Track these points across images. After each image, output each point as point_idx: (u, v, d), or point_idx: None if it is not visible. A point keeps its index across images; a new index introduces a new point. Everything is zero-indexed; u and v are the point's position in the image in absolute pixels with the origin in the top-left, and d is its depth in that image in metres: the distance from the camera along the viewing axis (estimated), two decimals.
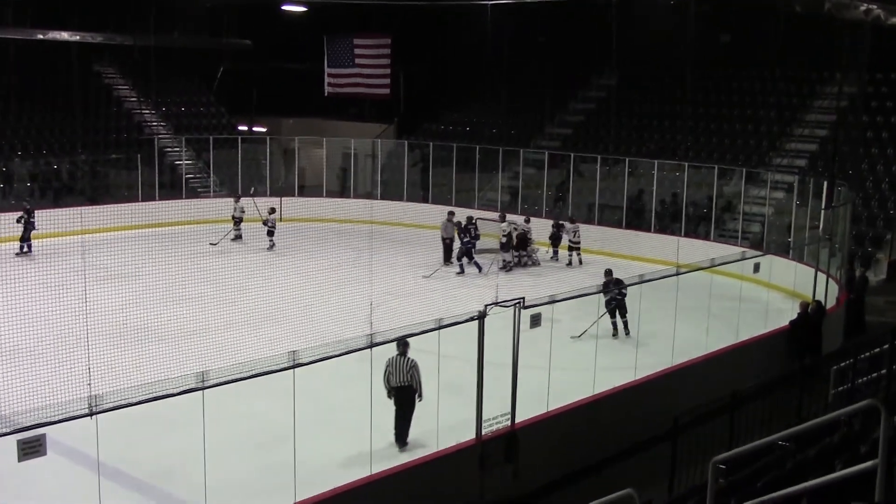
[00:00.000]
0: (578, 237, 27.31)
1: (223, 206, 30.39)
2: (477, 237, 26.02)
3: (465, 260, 25.57)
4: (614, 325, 18.67)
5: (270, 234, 28.27)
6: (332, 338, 11.87)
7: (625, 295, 18.09)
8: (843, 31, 26.19)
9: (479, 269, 25.28)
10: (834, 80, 30.94)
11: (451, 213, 27.07)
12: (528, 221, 27.51)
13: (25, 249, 26.32)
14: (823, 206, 22.28)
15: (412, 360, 12.84)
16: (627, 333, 18.35)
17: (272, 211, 28.66)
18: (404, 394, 12.87)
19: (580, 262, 27.00)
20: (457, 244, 26.09)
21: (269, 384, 10.33)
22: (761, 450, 8.29)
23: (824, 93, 31.73)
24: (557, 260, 27.59)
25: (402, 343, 12.76)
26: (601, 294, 17.84)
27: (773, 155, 30.58)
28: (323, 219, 31.38)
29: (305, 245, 26.38)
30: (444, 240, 26.43)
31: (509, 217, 28.15)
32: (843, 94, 29.60)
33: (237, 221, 29.30)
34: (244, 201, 29.72)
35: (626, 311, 18.43)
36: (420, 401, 12.83)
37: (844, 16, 23.51)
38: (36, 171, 32.20)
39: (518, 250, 26.34)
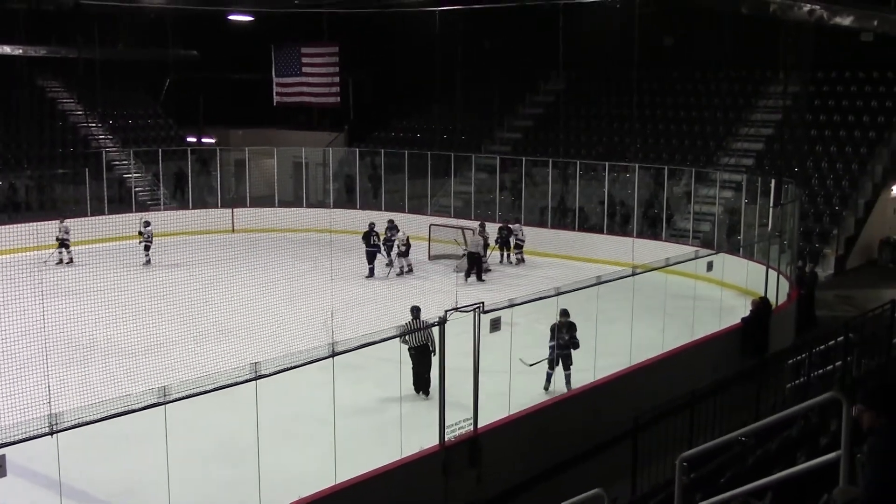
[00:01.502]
0: (524, 236, 27.76)
1: (175, 218, 30.10)
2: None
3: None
4: (548, 377, 15.52)
5: (147, 248, 27.38)
6: (292, 348, 11.84)
7: (576, 346, 15.49)
8: (786, 31, 26.71)
9: (372, 274, 25.96)
10: (778, 80, 31.53)
11: (483, 226, 27.24)
12: (483, 227, 27.60)
13: None
14: (772, 204, 22.66)
15: (426, 322, 14.35)
16: (568, 387, 15.34)
17: (147, 224, 27.70)
18: (423, 351, 14.96)
19: (522, 262, 27.61)
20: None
21: (230, 397, 10.26)
22: (723, 445, 8.42)
23: (769, 92, 32.33)
24: (511, 263, 27.80)
25: (415, 309, 15.42)
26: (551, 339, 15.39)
27: (721, 154, 31.07)
28: (276, 229, 31.21)
29: (261, 256, 26.25)
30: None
31: (464, 223, 28.43)
32: (787, 94, 30.18)
33: (62, 243, 27.31)
34: (69, 222, 27.91)
35: (570, 363, 15.56)
36: (434, 355, 13.76)
37: (789, 16, 23.96)
38: None
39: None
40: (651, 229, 28.83)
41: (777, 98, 31.29)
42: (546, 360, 15.50)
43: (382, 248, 26.58)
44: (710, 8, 30.34)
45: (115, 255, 25.99)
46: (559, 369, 15.56)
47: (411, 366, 15.13)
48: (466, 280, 25.14)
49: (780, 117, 30.53)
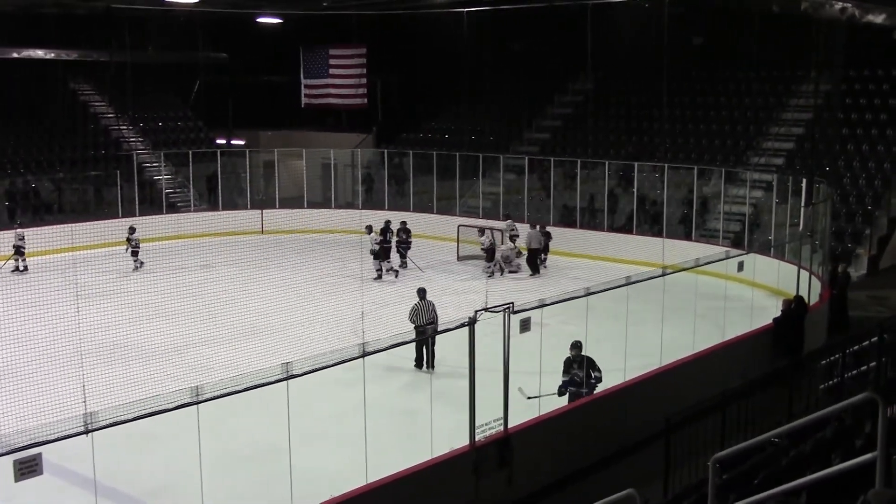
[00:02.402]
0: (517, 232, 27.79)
1: (205, 220, 30.34)
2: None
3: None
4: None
5: (135, 254, 27.21)
6: (321, 349, 11.88)
7: (593, 386, 13.99)
8: (818, 29, 26.46)
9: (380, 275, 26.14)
10: (809, 79, 31.21)
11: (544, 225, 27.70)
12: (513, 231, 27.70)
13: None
14: (803, 204, 22.47)
15: (432, 302, 17.48)
16: None
17: (132, 231, 27.51)
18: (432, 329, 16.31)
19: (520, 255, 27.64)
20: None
21: (262, 397, 10.31)
22: (756, 447, 8.36)
23: (800, 91, 32.01)
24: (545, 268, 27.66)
25: (422, 290, 17.84)
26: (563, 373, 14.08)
27: (751, 154, 30.83)
28: (305, 230, 31.35)
29: (290, 257, 26.40)
30: (533, 250, 26.75)
31: (493, 223, 28.43)
32: (818, 92, 29.86)
33: (17, 251, 26.88)
34: (24, 230, 27.39)
35: None
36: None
37: (820, 14, 23.76)
38: (14, 190, 32.01)
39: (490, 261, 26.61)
40: (681, 229, 28.69)
41: (808, 97, 30.97)
42: (550, 395, 13.76)
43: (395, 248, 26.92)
44: (742, 6, 30.14)
45: (148, 257, 26.30)
46: None
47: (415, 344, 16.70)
48: (493, 275, 25.43)
49: (811, 116, 30.24)
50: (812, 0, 23.12)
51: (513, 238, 27.49)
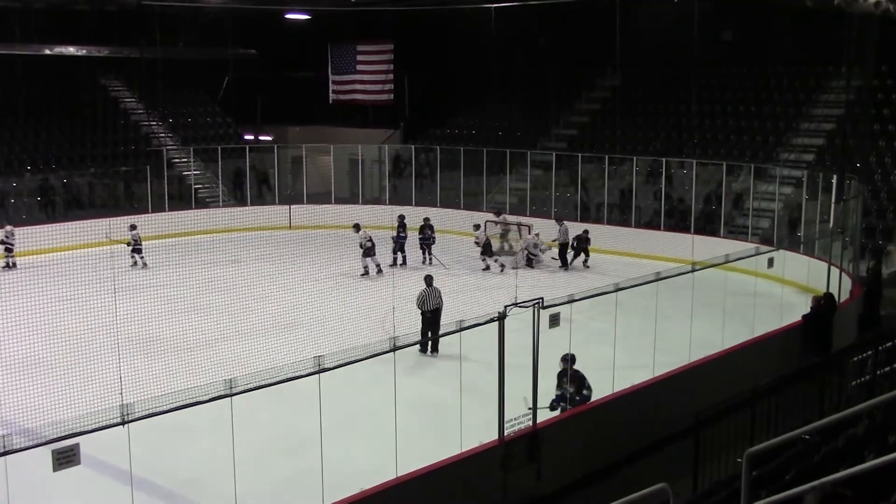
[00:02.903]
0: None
1: (234, 215, 30.55)
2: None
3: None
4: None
5: (137, 251, 26.92)
6: (351, 343, 11.97)
7: (586, 399, 13.38)
8: (850, 23, 26.23)
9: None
10: (840, 74, 30.96)
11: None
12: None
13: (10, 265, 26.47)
14: (834, 200, 22.31)
15: (438, 289, 18.49)
16: None
17: (133, 228, 27.13)
18: (435, 314, 18.03)
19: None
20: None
21: (294, 390, 10.41)
22: (786, 443, 8.36)
23: (830, 87, 31.76)
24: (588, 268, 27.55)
25: (429, 277, 18.97)
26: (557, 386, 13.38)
27: (781, 150, 30.60)
28: (333, 225, 31.47)
29: (318, 252, 26.52)
30: (562, 245, 27.23)
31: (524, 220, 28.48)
32: (849, 88, 29.60)
33: (7, 248, 26.74)
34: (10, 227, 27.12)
35: None
36: None
37: (854, 9, 23.54)
38: (46, 185, 32.37)
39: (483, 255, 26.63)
40: (710, 226, 28.57)
41: (839, 92, 30.70)
42: (549, 408, 13.06)
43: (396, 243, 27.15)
44: (775, 1, 29.91)
45: (177, 252, 26.49)
46: None
47: (420, 327, 17.77)
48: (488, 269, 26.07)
49: (842, 111, 30.00)
50: None
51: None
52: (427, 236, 27.40)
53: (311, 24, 40.39)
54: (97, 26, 36.87)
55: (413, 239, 27.65)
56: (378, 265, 25.80)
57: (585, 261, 27.11)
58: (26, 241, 26.44)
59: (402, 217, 27.69)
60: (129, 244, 26.80)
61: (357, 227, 26.22)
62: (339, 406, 13.04)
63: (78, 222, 28.05)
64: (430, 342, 17.60)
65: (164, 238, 28.40)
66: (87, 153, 34.25)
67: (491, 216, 30.01)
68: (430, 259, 27.21)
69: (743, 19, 34.48)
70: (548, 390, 12.89)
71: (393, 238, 27.38)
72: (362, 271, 25.68)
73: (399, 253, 27.11)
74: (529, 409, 12.50)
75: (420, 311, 18.20)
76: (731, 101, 33.85)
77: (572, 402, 13.12)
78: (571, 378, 13.11)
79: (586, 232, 27.23)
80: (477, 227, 27.32)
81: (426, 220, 27.92)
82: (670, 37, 34.22)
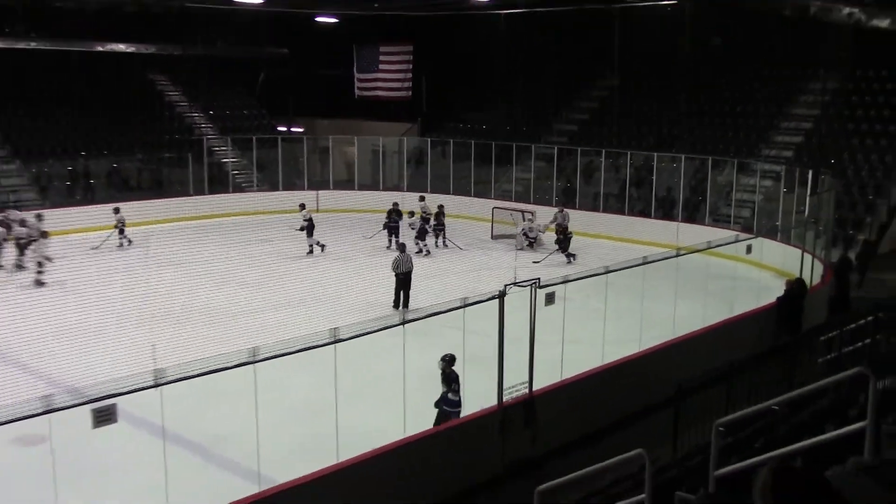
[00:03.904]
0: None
1: (266, 200, 30.54)
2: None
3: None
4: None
5: (121, 232, 26.05)
6: (368, 316, 11.92)
7: (456, 405, 11.88)
8: (827, 32, 25.96)
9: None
10: (818, 77, 30.66)
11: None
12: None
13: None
14: (809, 193, 22.14)
15: (409, 255, 20.08)
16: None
17: (116, 211, 26.32)
18: (406, 276, 19.44)
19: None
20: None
21: (312, 359, 10.39)
22: (758, 414, 8.28)
23: (809, 89, 31.46)
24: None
25: (402, 245, 20.61)
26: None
27: (763, 147, 30.36)
28: (356, 209, 31.48)
29: (341, 233, 26.52)
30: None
31: (523, 206, 28.29)
32: (826, 90, 29.35)
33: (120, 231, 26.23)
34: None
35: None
36: None
37: (829, 18, 23.31)
38: (101, 170, 32.46)
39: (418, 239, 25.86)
40: (695, 214, 28.38)
41: (817, 94, 30.43)
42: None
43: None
44: (757, 10, 29.61)
45: (213, 230, 26.56)
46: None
47: (394, 287, 19.35)
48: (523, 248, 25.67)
49: (819, 112, 29.70)
50: (821, 5, 22.63)
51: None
52: (440, 222, 27.18)
53: (339, 26, 40.25)
54: (145, 26, 36.80)
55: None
56: (319, 242, 25.41)
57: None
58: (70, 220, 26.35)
59: (395, 204, 27.27)
60: (116, 226, 26.12)
61: (302, 207, 26.00)
62: (355, 374, 13.06)
63: (126, 203, 28.03)
64: (402, 299, 19.27)
65: (203, 219, 28.48)
66: (135, 141, 34.26)
67: (499, 203, 30.00)
68: (445, 243, 26.95)
69: (731, 26, 34.10)
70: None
71: (409, 225, 26.48)
72: (308, 249, 25.26)
73: (393, 237, 25.85)
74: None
75: (394, 273, 19.53)
76: (719, 100, 33.57)
77: (447, 402, 11.89)
78: (452, 379, 12.01)
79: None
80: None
81: (440, 207, 27.72)
82: (664, 42, 33.95)
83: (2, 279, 21.65)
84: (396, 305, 19.25)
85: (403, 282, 19.45)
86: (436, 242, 26.83)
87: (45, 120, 33.37)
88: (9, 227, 23.74)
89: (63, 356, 13.82)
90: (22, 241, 22.97)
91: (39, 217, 23.80)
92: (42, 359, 14.56)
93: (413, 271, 19.72)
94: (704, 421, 10.75)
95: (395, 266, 19.59)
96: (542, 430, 12.27)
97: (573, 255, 24.86)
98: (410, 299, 19.33)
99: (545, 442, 12.26)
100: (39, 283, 21.06)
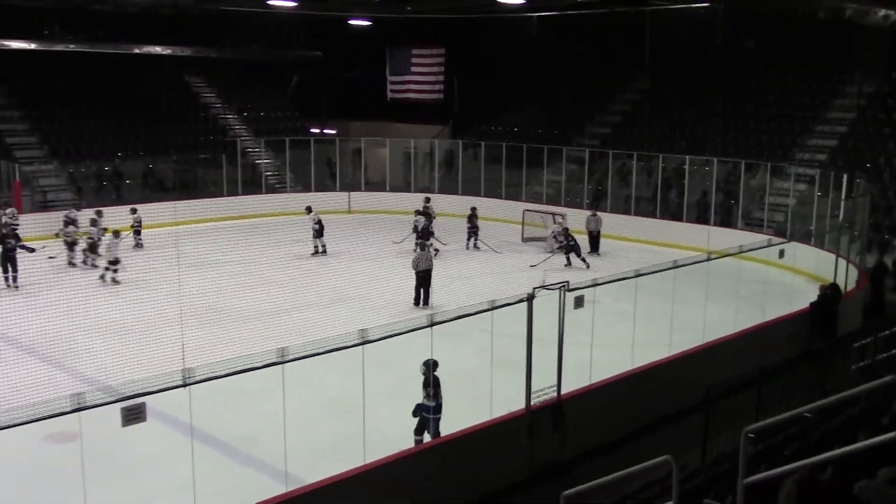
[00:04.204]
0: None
1: (299, 200, 30.59)
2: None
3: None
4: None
5: (137, 233, 26.17)
6: (398, 317, 11.87)
7: (436, 411, 11.56)
8: (862, 34, 25.55)
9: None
10: (853, 81, 30.18)
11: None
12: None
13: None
14: (844, 197, 21.79)
15: (429, 253, 20.36)
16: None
17: (133, 211, 26.45)
18: (428, 273, 19.61)
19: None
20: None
21: (341, 359, 10.36)
22: (788, 421, 8.12)
23: (844, 92, 30.98)
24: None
25: (423, 244, 20.84)
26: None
27: (797, 150, 29.95)
28: (387, 210, 31.52)
29: (372, 234, 26.53)
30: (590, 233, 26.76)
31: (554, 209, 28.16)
32: (862, 93, 28.89)
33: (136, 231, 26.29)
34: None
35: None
36: None
37: (864, 21, 22.95)
38: (136, 171, 32.79)
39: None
40: (728, 218, 28.06)
41: (852, 97, 29.95)
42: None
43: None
44: (791, 12, 29.24)
45: (247, 231, 26.68)
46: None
47: (415, 285, 19.47)
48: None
49: (854, 115, 29.23)
50: (856, 7, 22.26)
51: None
52: (474, 224, 27.01)
53: (372, 29, 40.34)
54: (181, 29, 37.12)
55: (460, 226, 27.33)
56: (323, 246, 25.39)
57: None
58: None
59: (427, 199, 27.45)
60: (132, 227, 26.26)
61: (309, 210, 25.95)
62: (383, 375, 13.03)
63: (158, 203, 28.21)
64: (422, 297, 19.40)
65: (237, 220, 28.63)
66: (171, 142, 34.53)
67: (530, 206, 29.81)
68: (476, 244, 26.76)
69: (764, 29, 33.71)
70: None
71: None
72: (312, 251, 25.28)
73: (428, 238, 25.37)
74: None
75: (415, 271, 19.67)
76: (752, 103, 33.16)
77: (423, 408, 11.58)
78: (434, 384, 11.56)
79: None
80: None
81: (473, 209, 27.56)
82: (696, 44, 33.64)
83: (74, 278, 21.65)
84: (417, 303, 19.38)
85: (423, 279, 19.60)
86: (467, 245, 26.72)
87: (82, 121, 33.76)
88: (76, 224, 24.19)
89: (101, 354, 13.97)
90: (91, 241, 23.48)
91: (100, 214, 24.45)
92: (78, 357, 14.72)
93: (433, 270, 19.83)
94: (734, 427, 10.58)
95: (415, 264, 19.76)
96: (570, 434, 12.15)
97: (586, 262, 24.36)
98: (430, 297, 19.43)
99: (573, 446, 12.14)
100: (115, 282, 21.36)
